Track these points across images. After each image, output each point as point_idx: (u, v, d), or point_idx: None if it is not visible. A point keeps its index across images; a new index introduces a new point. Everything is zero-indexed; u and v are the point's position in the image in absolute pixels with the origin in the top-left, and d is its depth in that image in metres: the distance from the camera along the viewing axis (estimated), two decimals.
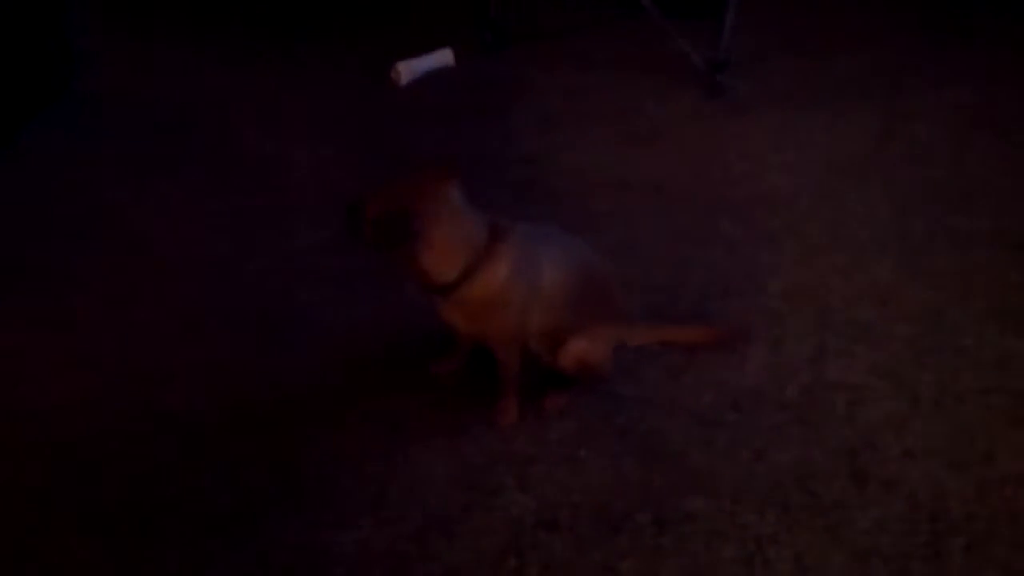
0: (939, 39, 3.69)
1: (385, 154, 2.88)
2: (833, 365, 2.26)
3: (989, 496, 1.96)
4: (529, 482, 1.99)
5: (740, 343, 2.28)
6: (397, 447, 2.07)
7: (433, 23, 3.46)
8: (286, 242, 2.60)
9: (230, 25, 3.56)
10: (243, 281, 2.48)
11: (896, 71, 3.47)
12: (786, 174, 2.90)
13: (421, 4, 3.65)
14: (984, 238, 2.66)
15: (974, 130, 3.13)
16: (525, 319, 1.98)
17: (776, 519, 1.92)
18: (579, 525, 1.91)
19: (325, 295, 2.44)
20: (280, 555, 1.86)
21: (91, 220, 2.65)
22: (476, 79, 3.20)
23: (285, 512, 1.93)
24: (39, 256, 2.53)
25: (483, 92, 3.15)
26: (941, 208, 2.76)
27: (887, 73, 3.45)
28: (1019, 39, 3.69)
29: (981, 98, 3.29)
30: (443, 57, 3.13)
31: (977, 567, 1.84)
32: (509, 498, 1.96)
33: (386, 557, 1.86)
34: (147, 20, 3.56)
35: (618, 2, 3.43)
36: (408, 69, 3.05)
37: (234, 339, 2.33)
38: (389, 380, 2.22)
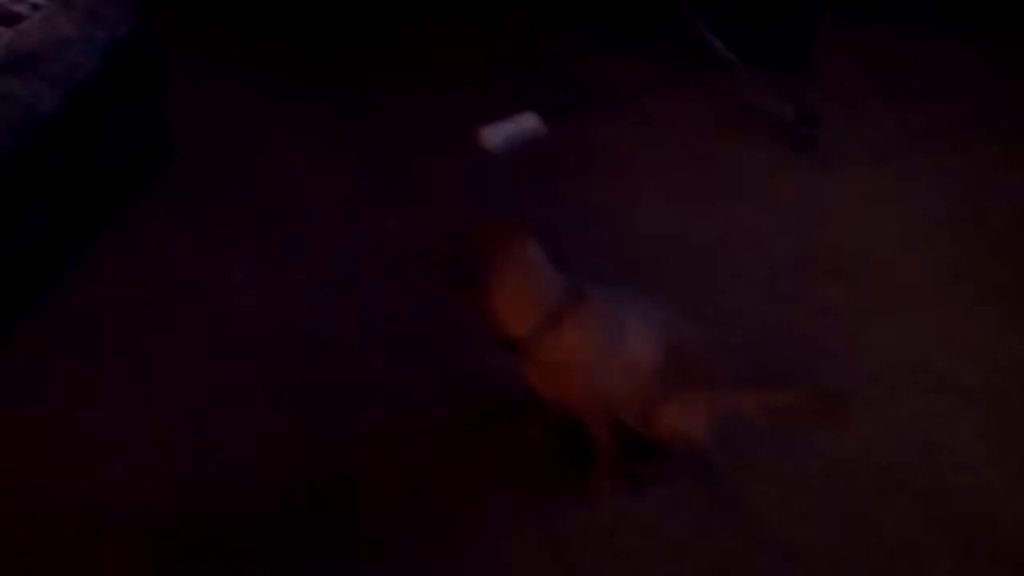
0: None
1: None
2: (939, 429, 2.18)
3: None
4: (619, 555, 1.96)
5: (840, 408, 2.16)
6: (487, 516, 2.06)
7: (498, 83, 3.50)
8: (362, 310, 2.63)
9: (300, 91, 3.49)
10: (320, 348, 2.50)
11: (997, 116, 3.34)
12: (883, 229, 2.82)
13: (472, 65, 3.61)
14: None
15: None
16: (607, 387, 1.96)
17: None
18: None
19: (401, 363, 2.43)
20: None
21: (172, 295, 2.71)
22: (560, 141, 3.17)
23: None
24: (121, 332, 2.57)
25: (566, 155, 3.12)
26: None
27: (988, 119, 3.32)
28: None
29: None
30: (529, 121, 3.14)
31: None
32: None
33: None
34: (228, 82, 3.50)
35: (693, 56, 3.39)
36: (494, 134, 3.08)
37: (312, 409, 2.34)
38: (471, 447, 2.21)
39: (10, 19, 2.42)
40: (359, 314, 2.59)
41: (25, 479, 2.12)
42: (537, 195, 2.93)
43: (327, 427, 2.28)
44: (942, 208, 2.89)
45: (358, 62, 3.48)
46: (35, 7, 2.46)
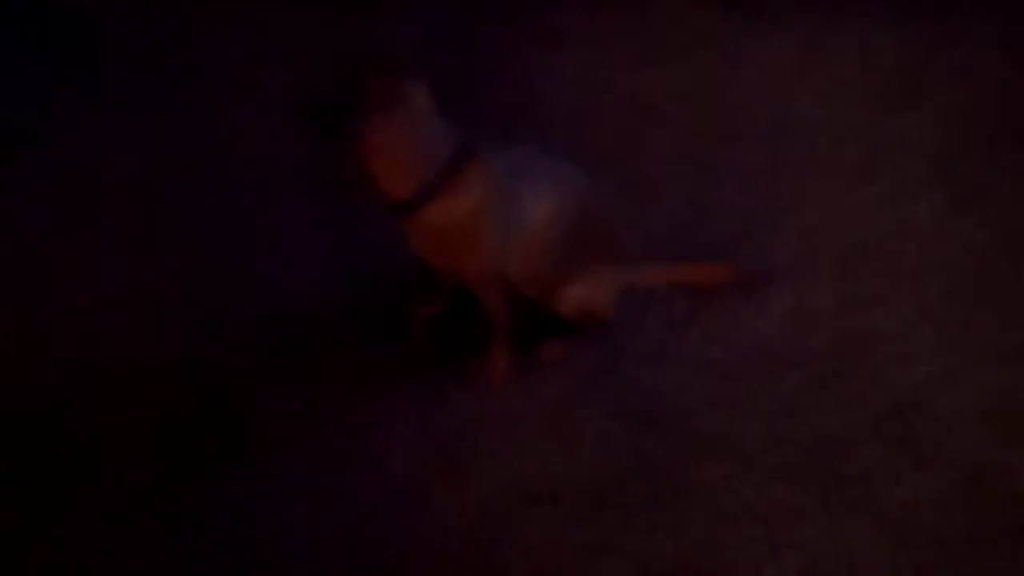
0: None
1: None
2: (866, 314, 1.96)
3: None
4: (513, 447, 1.75)
5: (760, 285, 1.98)
6: (364, 404, 1.83)
7: None
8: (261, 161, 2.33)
9: None
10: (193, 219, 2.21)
11: None
12: (814, 97, 2.56)
13: None
14: None
15: None
16: (503, 258, 1.71)
17: (796, 493, 1.67)
18: (564, 499, 1.67)
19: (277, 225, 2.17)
20: (223, 523, 1.64)
21: None
22: None
23: (230, 477, 1.71)
24: None
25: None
26: (990, 138, 2.40)
27: None
28: None
29: None
30: None
31: None
32: (485, 467, 1.72)
33: (340, 534, 1.63)
34: None
35: None
36: None
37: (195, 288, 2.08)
38: (359, 329, 1.97)
39: None
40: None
41: None
42: (449, 37, 2.63)
43: (205, 305, 2.03)
44: (880, 77, 2.65)
45: None
46: None
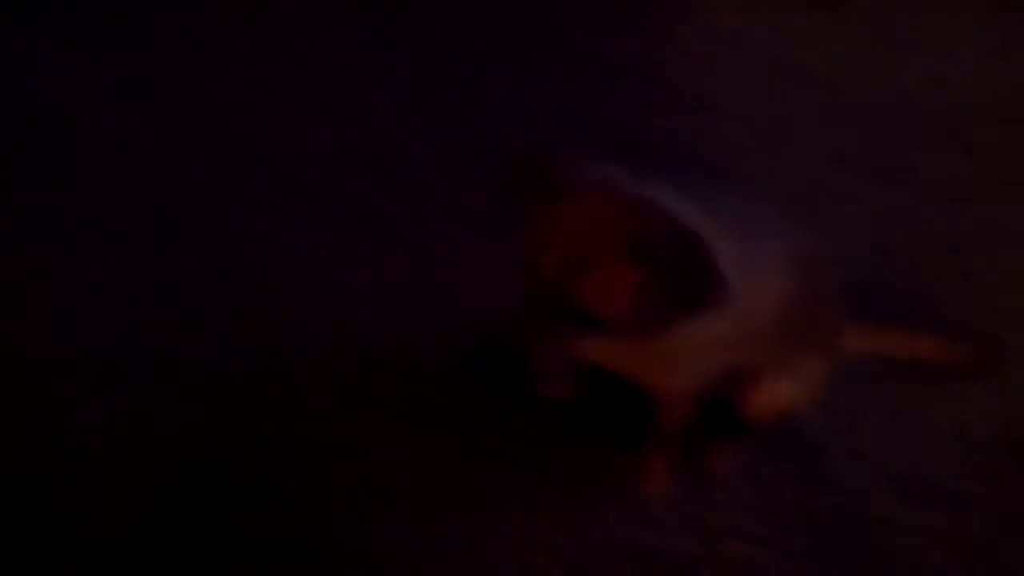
0: None
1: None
2: None
3: None
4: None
5: (988, 358, 1.47)
6: (477, 511, 1.31)
7: None
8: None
9: None
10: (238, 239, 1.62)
11: None
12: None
13: None
14: None
15: None
16: (720, 358, 1.19)
17: None
18: None
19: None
20: None
21: None
22: None
23: None
24: None
25: None
26: None
27: None
28: None
29: None
30: None
31: None
32: None
33: None
34: None
35: None
36: None
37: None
38: (468, 402, 1.42)
39: None
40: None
41: None
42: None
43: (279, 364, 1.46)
44: None
45: None
46: None
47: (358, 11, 1.91)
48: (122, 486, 1.29)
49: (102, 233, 1.56)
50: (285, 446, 1.36)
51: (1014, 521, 1.37)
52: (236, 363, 1.43)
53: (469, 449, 1.38)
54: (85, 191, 1.61)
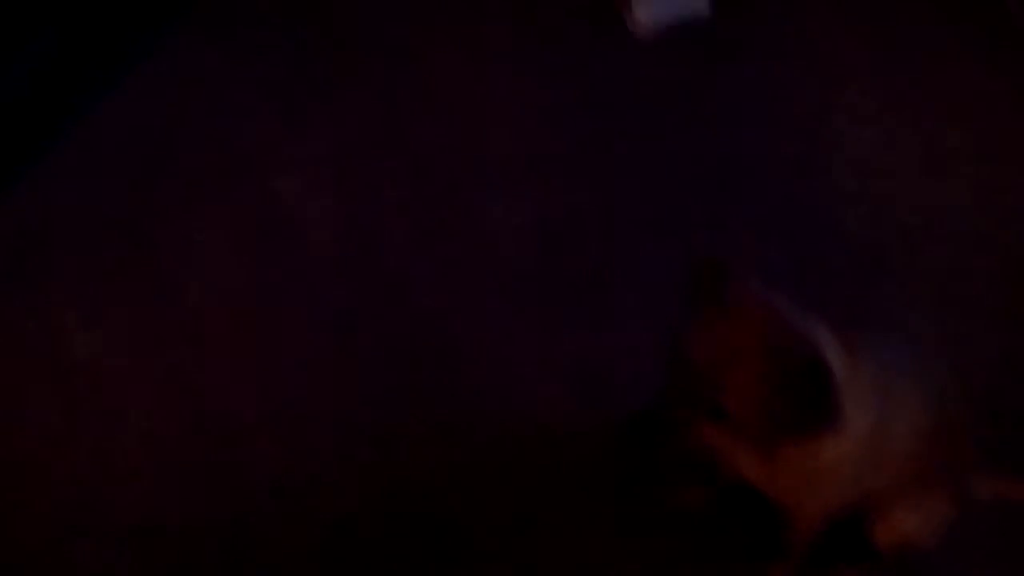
0: None
1: (620, 129, 2.06)
2: None
3: None
4: None
5: None
6: None
7: None
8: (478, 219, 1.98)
9: None
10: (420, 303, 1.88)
11: None
12: None
13: None
14: None
15: None
16: (856, 483, 1.35)
17: None
18: None
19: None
20: None
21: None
22: (732, 32, 2.23)
23: None
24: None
25: (740, 62, 2.19)
26: None
27: None
28: None
29: None
30: (696, 3, 2.37)
31: None
32: None
33: None
34: None
35: None
36: (648, 8, 2.20)
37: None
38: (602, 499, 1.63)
39: None
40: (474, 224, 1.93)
41: None
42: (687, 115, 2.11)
43: (422, 426, 1.73)
44: None
45: None
46: None
47: (578, 109, 2.08)
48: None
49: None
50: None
51: None
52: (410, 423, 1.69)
53: (596, 548, 1.59)
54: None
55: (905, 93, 2.13)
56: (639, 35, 2.17)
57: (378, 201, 1.93)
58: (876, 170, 2.04)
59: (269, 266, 1.85)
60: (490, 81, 2.08)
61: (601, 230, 1.93)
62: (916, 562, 1.56)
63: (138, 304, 1.80)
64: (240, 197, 1.91)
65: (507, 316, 1.82)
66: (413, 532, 1.62)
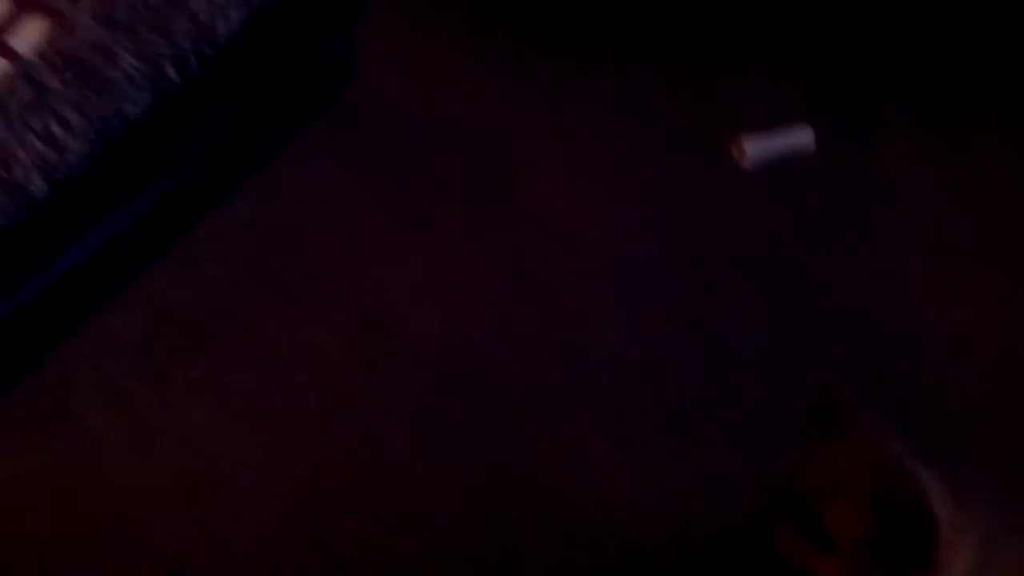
0: None
1: (715, 257, 2.16)
2: None
3: None
4: None
5: None
6: None
7: (780, 83, 2.73)
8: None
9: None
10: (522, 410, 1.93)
11: None
12: None
13: (767, 62, 2.81)
14: None
15: None
16: None
17: None
18: None
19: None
20: None
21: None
22: (834, 173, 2.33)
23: None
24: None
25: (842, 194, 2.29)
26: None
27: None
28: None
29: None
30: (802, 138, 2.45)
31: None
32: None
33: None
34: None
35: None
36: (757, 147, 2.40)
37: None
38: None
39: None
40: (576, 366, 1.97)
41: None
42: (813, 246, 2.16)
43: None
44: None
45: (591, 34, 2.60)
46: None
47: (680, 237, 2.15)
48: None
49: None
50: None
51: None
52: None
53: None
54: None
55: None
56: (744, 166, 2.27)
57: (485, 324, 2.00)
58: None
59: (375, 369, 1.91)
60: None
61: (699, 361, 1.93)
62: None
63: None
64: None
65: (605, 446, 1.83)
66: None
